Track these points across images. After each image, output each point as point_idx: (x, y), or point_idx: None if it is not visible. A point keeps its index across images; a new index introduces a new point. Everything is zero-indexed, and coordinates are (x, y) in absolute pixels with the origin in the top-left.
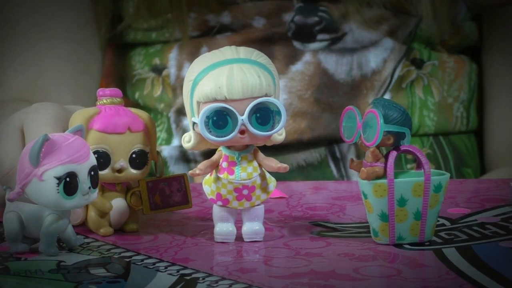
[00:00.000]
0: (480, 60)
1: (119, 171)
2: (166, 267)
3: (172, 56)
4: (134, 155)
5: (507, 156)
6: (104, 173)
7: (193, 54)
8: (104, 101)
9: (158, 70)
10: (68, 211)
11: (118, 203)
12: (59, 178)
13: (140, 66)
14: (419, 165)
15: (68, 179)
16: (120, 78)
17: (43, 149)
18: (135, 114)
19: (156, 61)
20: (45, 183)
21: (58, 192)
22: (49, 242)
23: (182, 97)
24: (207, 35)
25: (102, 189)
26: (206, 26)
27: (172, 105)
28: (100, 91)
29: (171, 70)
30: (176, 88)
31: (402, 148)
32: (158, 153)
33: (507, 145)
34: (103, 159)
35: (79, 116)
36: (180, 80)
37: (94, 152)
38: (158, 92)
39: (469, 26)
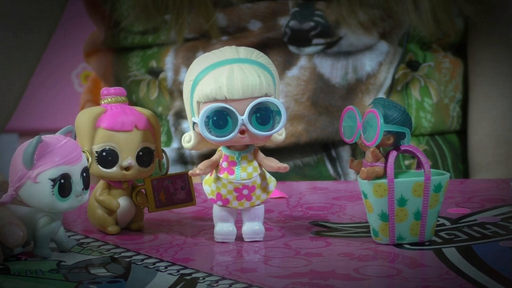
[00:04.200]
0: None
1: (127, 169)
2: (166, 267)
3: (169, 60)
4: (141, 153)
5: (489, 154)
6: (112, 171)
7: (190, 58)
8: (109, 99)
9: (154, 73)
10: (60, 213)
11: (124, 202)
12: (53, 180)
13: (136, 67)
14: (419, 165)
15: (62, 180)
16: (117, 79)
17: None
18: (140, 113)
19: (153, 63)
20: (39, 185)
21: (53, 194)
22: (43, 244)
23: (180, 100)
24: (203, 38)
25: (109, 187)
26: (202, 29)
27: (170, 108)
28: (104, 90)
29: (168, 74)
30: (173, 91)
31: (402, 148)
32: (163, 151)
33: (488, 144)
34: (111, 157)
35: (85, 115)
36: (177, 83)
37: (102, 150)
38: (154, 94)
39: (460, 21)
